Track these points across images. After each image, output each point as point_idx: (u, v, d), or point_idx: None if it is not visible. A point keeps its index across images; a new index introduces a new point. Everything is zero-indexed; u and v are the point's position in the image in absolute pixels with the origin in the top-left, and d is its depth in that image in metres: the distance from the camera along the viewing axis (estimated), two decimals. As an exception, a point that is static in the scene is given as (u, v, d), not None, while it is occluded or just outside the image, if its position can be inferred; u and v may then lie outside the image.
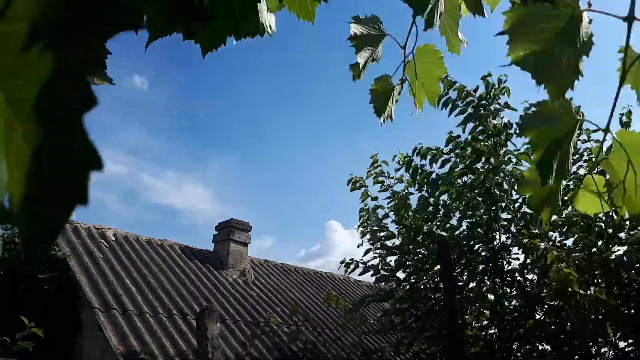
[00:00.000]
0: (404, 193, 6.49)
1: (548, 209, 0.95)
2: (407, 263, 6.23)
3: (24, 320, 4.06)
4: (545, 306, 5.36)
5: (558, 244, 5.61)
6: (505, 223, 5.79)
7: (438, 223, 6.10)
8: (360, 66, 1.14)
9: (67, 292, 6.38)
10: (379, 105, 1.22)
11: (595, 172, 1.11)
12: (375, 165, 6.64)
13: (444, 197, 6.13)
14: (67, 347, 6.22)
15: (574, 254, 5.00)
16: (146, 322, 6.22)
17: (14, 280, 6.02)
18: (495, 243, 5.77)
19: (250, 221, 9.05)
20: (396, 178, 6.59)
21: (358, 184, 6.65)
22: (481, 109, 5.80)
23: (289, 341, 6.91)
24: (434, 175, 6.04)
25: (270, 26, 0.95)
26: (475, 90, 5.94)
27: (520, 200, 5.81)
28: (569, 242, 5.69)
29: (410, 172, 6.18)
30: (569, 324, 5.01)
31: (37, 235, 0.38)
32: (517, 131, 5.76)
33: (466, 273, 5.94)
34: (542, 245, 5.24)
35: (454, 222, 6.11)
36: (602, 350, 5.16)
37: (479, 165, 5.87)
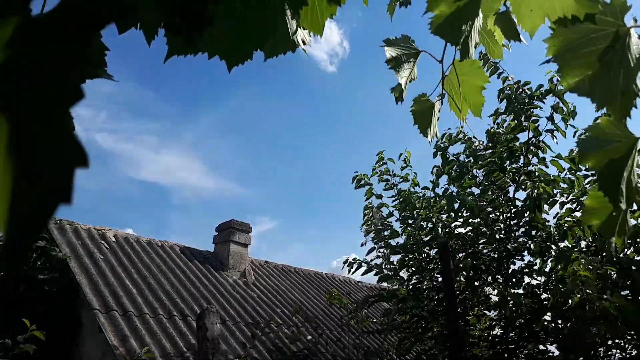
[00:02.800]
0: (408, 192, 6.41)
1: (620, 236, 0.92)
2: (411, 262, 6.17)
3: (25, 322, 4.05)
4: (555, 308, 5.31)
5: (569, 247, 5.54)
6: (521, 223, 5.69)
7: (459, 217, 5.95)
8: (403, 86, 1.13)
9: (68, 293, 6.38)
10: (423, 125, 1.21)
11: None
12: (381, 162, 6.59)
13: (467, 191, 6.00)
14: (67, 348, 6.20)
15: (589, 258, 4.94)
16: (146, 323, 6.21)
17: (14, 281, 6.01)
18: (507, 245, 5.67)
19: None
20: (401, 176, 6.53)
21: (363, 182, 6.58)
22: (528, 105, 5.54)
23: (290, 342, 6.90)
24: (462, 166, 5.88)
25: (303, 41, 0.93)
26: (525, 84, 5.68)
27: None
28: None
29: (442, 157, 6.04)
30: (576, 326, 4.97)
31: (18, 235, 0.37)
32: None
33: (472, 272, 5.87)
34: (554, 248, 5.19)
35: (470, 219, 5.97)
36: (609, 353, 5.12)
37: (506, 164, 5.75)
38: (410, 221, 6.27)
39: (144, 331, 6.03)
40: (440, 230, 5.96)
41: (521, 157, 5.66)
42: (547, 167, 5.63)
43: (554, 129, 5.57)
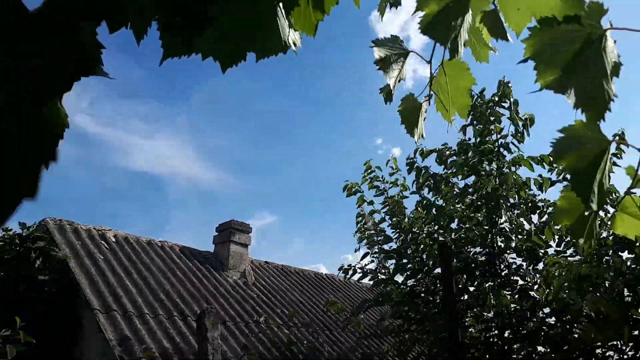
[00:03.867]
0: (397, 197, 6.55)
1: (588, 239, 0.93)
2: (408, 266, 6.22)
3: (17, 320, 4.03)
4: (547, 309, 5.35)
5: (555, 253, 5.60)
6: (503, 226, 5.76)
7: (440, 225, 6.08)
8: (391, 87, 1.14)
9: (68, 293, 6.38)
10: (410, 126, 1.22)
11: (633, 192, 1.05)
12: (370, 171, 6.75)
13: (441, 199, 6.13)
14: (67, 348, 6.21)
15: (574, 262, 4.98)
16: (146, 324, 6.21)
17: (14, 281, 6.02)
18: (494, 246, 5.75)
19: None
20: (391, 182, 6.69)
21: (354, 190, 6.76)
22: (490, 110, 5.74)
23: (289, 342, 6.90)
24: (437, 177, 6.03)
25: (294, 43, 0.94)
26: (482, 92, 5.90)
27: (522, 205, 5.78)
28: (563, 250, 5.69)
29: (414, 173, 6.18)
30: (567, 326, 5.00)
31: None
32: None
33: (464, 276, 5.92)
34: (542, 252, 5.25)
35: (454, 225, 6.10)
36: (607, 355, 5.14)
37: (481, 167, 5.86)
38: (400, 225, 6.39)
39: (144, 331, 6.03)
40: (425, 239, 6.07)
41: (493, 160, 5.79)
42: (519, 167, 5.79)
43: (516, 130, 5.74)
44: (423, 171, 6.15)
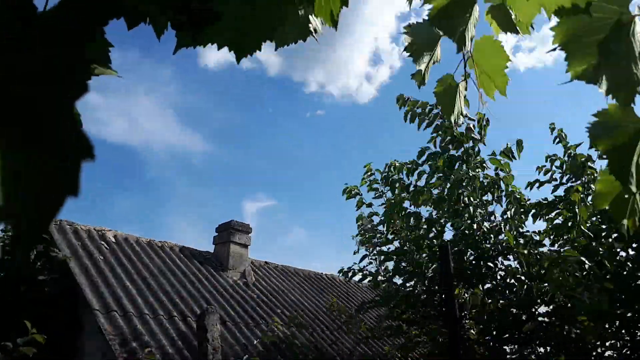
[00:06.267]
0: (393, 201, 6.57)
1: (632, 216, 0.93)
2: (407, 268, 6.24)
3: (26, 324, 4.05)
4: (544, 309, 5.36)
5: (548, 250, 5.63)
6: (489, 228, 5.83)
7: (424, 232, 6.17)
8: (423, 72, 1.13)
9: (68, 294, 6.37)
10: (447, 106, 1.21)
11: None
12: (369, 173, 6.80)
13: (428, 207, 6.24)
14: (68, 349, 6.20)
15: (570, 258, 5.00)
16: (146, 324, 6.20)
17: (15, 282, 6.01)
18: (484, 246, 5.79)
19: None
20: (389, 185, 6.74)
21: (353, 192, 6.82)
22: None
23: (289, 343, 6.90)
24: (412, 187, 6.20)
25: (315, 30, 0.93)
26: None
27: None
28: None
29: (389, 185, 6.32)
30: (566, 327, 5.01)
31: (28, 230, 0.37)
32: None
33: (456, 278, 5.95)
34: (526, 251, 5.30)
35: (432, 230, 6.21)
36: (606, 355, 5.16)
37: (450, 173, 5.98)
38: (396, 229, 6.46)
39: (144, 332, 6.03)
40: (419, 241, 6.13)
41: (462, 165, 5.90)
42: (484, 169, 5.93)
43: (480, 131, 5.82)
44: (397, 183, 6.29)
